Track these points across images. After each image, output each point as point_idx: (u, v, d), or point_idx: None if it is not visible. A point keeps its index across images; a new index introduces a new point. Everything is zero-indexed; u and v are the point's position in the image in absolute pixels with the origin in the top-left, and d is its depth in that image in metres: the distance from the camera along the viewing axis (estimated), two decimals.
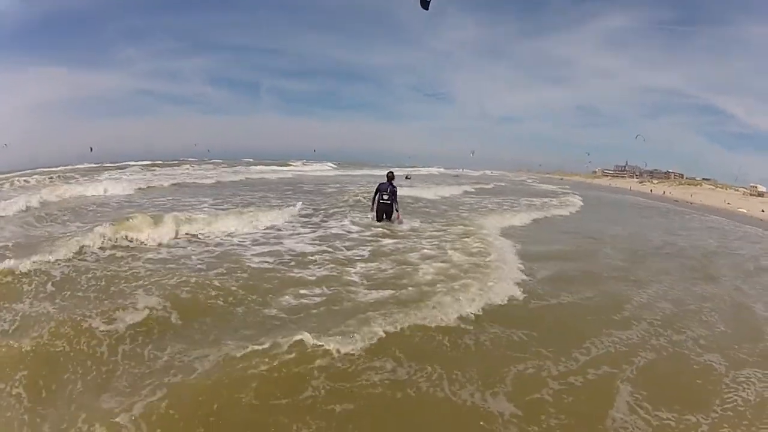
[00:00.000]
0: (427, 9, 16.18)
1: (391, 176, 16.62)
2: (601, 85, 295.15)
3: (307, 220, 16.28)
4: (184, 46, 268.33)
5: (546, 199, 32.86)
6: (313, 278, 9.11)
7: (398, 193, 16.77)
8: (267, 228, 13.94)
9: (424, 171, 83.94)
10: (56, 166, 47.75)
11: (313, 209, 18.59)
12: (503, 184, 58.26)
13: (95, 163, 54.20)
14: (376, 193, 16.56)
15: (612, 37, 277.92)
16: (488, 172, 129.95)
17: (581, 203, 32.01)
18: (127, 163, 56.69)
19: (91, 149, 64.30)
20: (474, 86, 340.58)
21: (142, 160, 61.35)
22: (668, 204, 54.42)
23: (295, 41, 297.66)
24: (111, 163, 57.05)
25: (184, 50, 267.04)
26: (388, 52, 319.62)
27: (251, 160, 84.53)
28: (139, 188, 25.92)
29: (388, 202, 16.25)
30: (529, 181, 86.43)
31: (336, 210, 19.04)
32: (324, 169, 66.54)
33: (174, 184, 29.42)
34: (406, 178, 52.36)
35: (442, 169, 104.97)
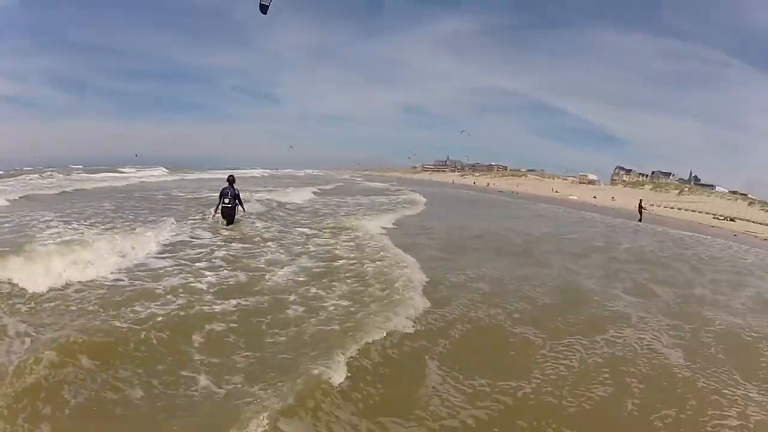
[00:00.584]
0: (265, 13, 18.61)
1: (232, 179, 17.55)
2: (432, 86, 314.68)
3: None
4: (22, 44, 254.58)
5: (387, 198, 35.99)
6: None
7: (244, 197, 18.25)
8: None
9: (254, 172, 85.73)
10: None
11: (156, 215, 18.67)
12: (340, 184, 61.04)
13: None
14: (220, 198, 17.45)
15: (448, 41, 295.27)
16: (311, 171, 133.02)
17: (424, 200, 34.73)
18: None
19: None
20: (302, 87, 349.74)
21: None
22: (494, 195, 59.25)
23: (129, 39, 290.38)
24: None
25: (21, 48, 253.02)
26: (219, 52, 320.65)
27: (81, 167, 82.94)
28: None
29: (230, 206, 17.18)
30: (359, 179, 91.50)
31: (180, 216, 19.09)
32: (158, 174, 65.30)
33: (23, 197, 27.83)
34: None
35: (267, 171, 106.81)
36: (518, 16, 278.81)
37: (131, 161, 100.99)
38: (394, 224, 20.50)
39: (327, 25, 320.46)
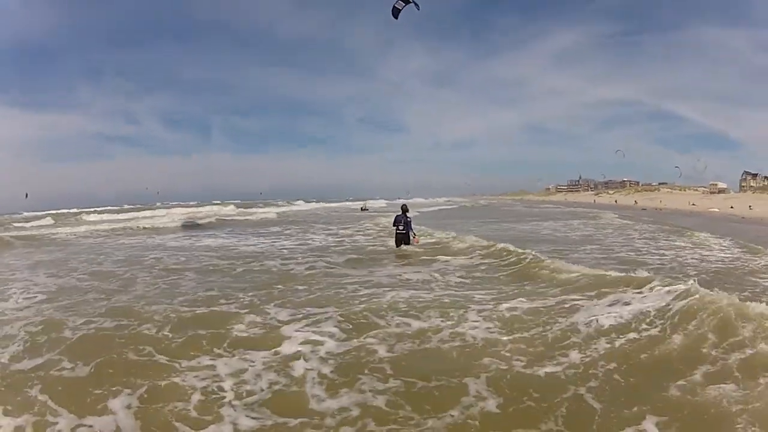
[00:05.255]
0: (396, 18, 19.04)
1: (405, 209, 19.58)
2: (551, 103, 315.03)
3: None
4: (137, 86, 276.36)
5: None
6: None
7: None
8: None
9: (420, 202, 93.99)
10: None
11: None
12: (547, 208, 61.77)
13: (72, 209, 57.04)
14: (394, 224, 19.64)
15: (561, 55, 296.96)
16: (460, 200, 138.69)
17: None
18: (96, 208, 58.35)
19: (27, 195, 63.91)
20: (424, 115, 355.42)
21: (99, 206, 64.30)
22: (665, 216, 53.74)
23: (246, 77, 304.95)
24: (65, 209, 59.31)
25: (136, 90, 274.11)
26: (338, 84, 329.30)
27: (239, 201, 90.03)
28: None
29: (404, 231, 19.15)
30: (520, 206, 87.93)
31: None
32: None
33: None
34: (362, 210, 60.82)
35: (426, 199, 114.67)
36: (624, 22, 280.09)
37: (256, 198, 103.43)
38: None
39: (441, 50, 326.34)
